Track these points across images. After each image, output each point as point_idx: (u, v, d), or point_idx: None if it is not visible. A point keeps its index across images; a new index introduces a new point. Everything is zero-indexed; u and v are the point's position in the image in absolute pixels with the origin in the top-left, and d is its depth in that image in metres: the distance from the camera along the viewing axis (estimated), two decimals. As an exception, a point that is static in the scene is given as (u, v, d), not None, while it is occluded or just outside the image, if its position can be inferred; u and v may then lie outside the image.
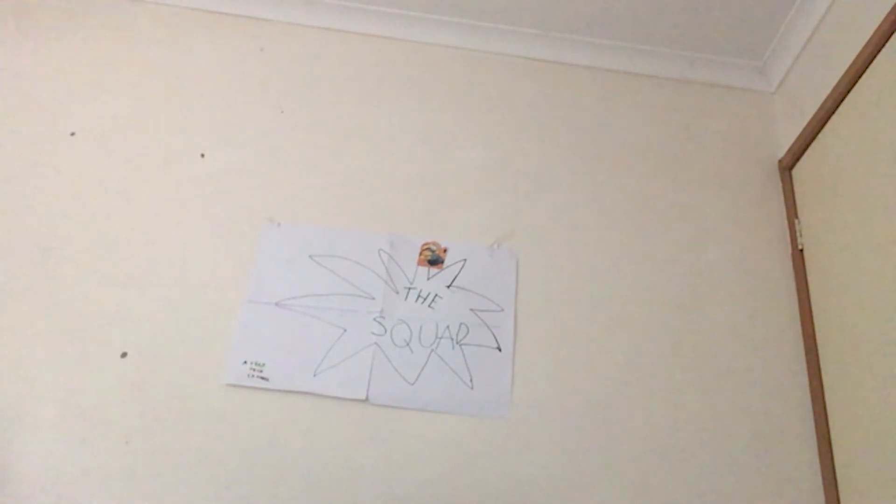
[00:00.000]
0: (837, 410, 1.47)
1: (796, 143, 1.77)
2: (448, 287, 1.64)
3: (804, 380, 1.59)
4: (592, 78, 2.00)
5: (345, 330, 1.57)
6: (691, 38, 1.95)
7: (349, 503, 1.41)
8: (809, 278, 1.67)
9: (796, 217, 1.76)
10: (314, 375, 1.52)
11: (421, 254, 1.69)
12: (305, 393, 1.50)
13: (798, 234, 1.73)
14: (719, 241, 1.76)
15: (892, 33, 1.41)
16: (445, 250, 1.69)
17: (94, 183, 1.72)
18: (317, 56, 1.97)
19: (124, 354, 1.52)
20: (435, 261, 1.68)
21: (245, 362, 1.52)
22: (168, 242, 1.65)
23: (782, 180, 1.84)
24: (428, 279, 1.65)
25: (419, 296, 1.63)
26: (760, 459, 1.50)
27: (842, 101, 1.58)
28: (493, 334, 1.59)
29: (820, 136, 1.68)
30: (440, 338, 1.58)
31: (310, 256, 1.66)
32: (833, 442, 1.47)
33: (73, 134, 1.79)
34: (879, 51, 1.45)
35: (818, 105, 1.66)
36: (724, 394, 1.57)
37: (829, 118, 1.63)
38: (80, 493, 1.37)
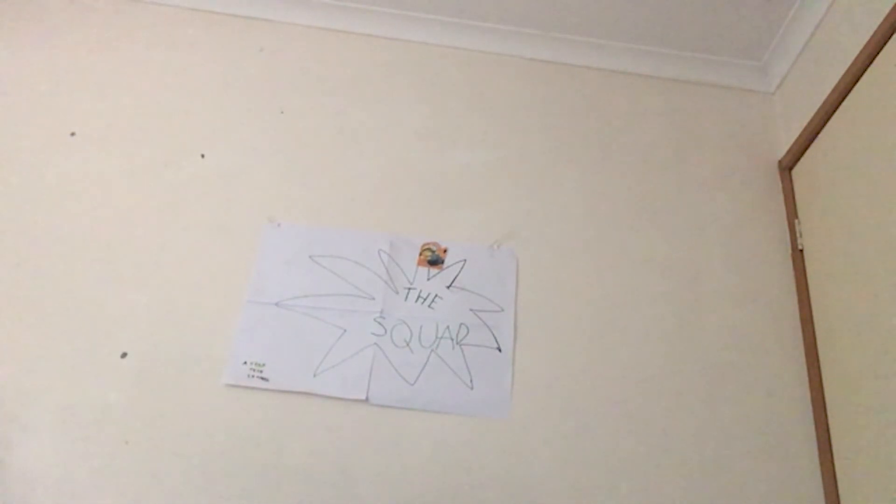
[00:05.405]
0: (837, 410, 1.47)
1: (796, 143, 1.77)
2: (448, 287, 1.64)
3: (804, 380, 1.59)
4: (592, 78, 2.00)
5: (345, 330, 1.57)
6: (691, 38, 1.95)
7: (349, 503, 1.41)
8: (809, 278, 1.66)
9: (796, 217, 1.75)
10: (314, 376, 1.52)
11: (421, 254, 1.69)
12: (305, 393, 1.50)
13: (798, 234, 1.73)
14: (719, 241, 1.76)
15: (892, 33, 1.41)
16: (445, 250, 1.69)
17: (94, 183, 1.72)
18: (317, 56, 1.97)
19: (124, 354, 1.52)
20: (435, 261, 1.68)
21: (245, 362, 1.52)
22: (168, 242, 1.65)
23: (782, 180, 1.84)
24: (428, 279, 1.65)
25: (419, 296, 1.63)
26: (760, 459, 1.50)
27: (842, 101, 1.58)
28: (493, 334, 1.59)
29: (820, 136, 1.68)
30: (440, 338, 1.58)
31: (310, 256, 1.66)
32: (833, 442, 1.47)
33: (73, 134, 1.79)
34: (879, 51, 1.45)
35: (818, 105, 1.66)
36: (724, 394, 1.57)
37: (829, 118, 1.63)
38: (79, 493, 1.37)
